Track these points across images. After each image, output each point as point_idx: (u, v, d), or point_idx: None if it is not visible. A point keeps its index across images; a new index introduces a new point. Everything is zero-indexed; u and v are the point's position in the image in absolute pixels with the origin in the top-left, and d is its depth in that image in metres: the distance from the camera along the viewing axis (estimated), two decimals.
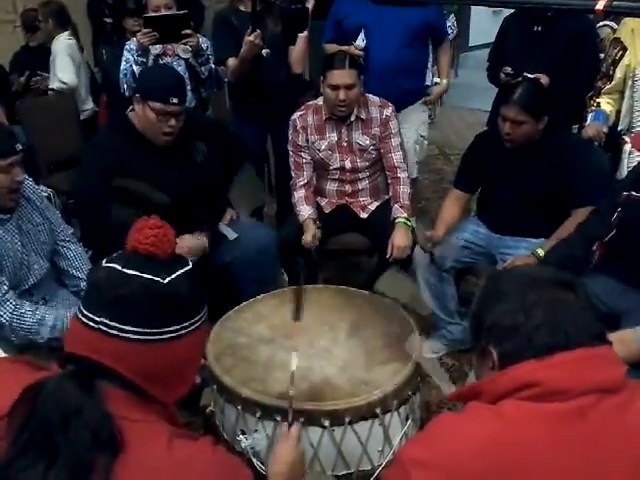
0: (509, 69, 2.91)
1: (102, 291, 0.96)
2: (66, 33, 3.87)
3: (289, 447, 1.31)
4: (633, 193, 2.04)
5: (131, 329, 0.94)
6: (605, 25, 3.00)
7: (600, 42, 2.98)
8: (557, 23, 2.85)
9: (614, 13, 2.97)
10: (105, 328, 0.94)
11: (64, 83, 3.77)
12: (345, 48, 2.95)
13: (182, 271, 1.01)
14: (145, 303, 0.95)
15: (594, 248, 2.11)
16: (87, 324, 0.95)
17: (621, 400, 0.91)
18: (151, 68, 2.80)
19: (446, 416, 1.00)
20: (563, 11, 2.83)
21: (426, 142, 3.37)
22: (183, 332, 0.98)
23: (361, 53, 2.92)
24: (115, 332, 0.94)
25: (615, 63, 2.66)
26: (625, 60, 2.62)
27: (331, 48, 3.06)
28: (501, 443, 0.88)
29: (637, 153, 2.51)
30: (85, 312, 0.96)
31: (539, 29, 2.90)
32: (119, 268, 0.97)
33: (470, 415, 0.95)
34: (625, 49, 2.63)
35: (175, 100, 2.20)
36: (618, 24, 2.94)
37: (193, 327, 1.00)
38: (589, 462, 0.88)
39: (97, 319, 0.94)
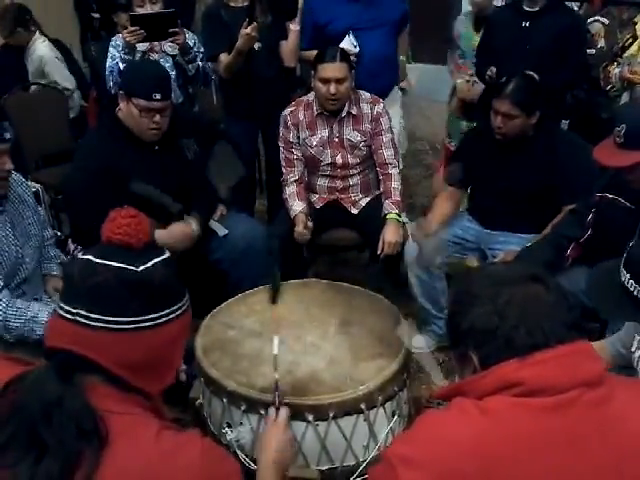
0: (494, 70, 2.91)
1: (76, 282, 0.96)
2: (39, 36, 3.81)
3: (277, 432, 1.32)
4: (607, 195, 2.06)
5: (107, 319, 0.93)
6: (596, 20, 3.01)
7: (591, 37, 2.99)
8: (545, 18, 2.86)
9: (611, 3, 3.00)
10: (81, 319, 0.93)
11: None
12: None
13: (158, 259, 1.00)
14: (119, 292, 0.94)
15: (568, 252, 2.13)
16: (64, 316, 0.95)
17: (602, 393, 0.92)
18: (134, 64, 2.77)
19: (432, 414, 1.00)
20: (554, 4, 2.84)
21: (405, 132, 3.42)
22: (162, 321, 0.98)
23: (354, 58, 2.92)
24: (92, 322, 0.93)
25: (624, 49, 2.71)
26: (632, 48, 2.66)
27: (311, 55, 2.97)
28: (488, 440, 0.89)
29: None
30: (62, 305, 0.96)
31: (527, 24, 2.90)
32: (92, 258, 0.97)
33: (456, 412, 0.95)
34: (636, 37, 2.67)
35: (158, 96, 2.19)
36: (609, 20, 2.95)
37: (173, 316, 1.00)
38: (573, 454, 0.88)
39: (73, 310, 0.94)
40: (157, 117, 2.22)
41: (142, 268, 0.97)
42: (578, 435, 0.89)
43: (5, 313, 1.86)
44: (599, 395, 0.91)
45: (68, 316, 0.94)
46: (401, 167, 3.34)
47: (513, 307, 0.95)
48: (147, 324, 0.96)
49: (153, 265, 0.98)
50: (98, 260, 0.96)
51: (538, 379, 0.91)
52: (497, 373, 0.93)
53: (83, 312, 0.93)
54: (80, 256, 1.00)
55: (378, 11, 2.99)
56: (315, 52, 2.78)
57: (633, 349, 1.61)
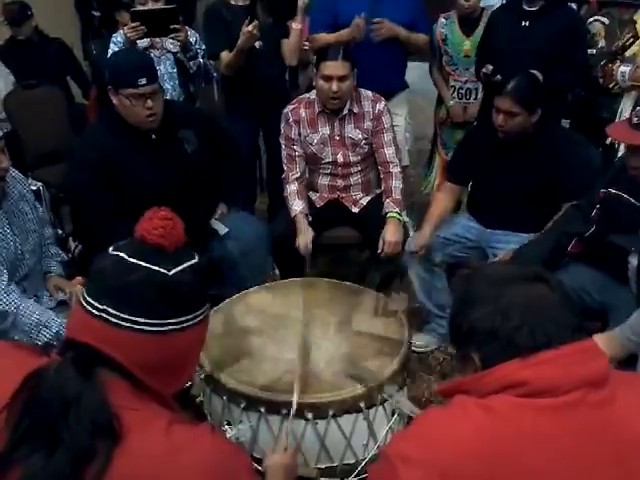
0: (490, 68, 2.90)
1: (106, 279, 0.96)
2: None
3: (284, 460, 1.34)
4: (611, 190, 2.05)
5: (133, 319, 0.94)
6: (596, 20, 3.00)
7: (591, 37, 2.98)
8: (544, 18, 2.85)
9: (608, 4, 3.00)
10: (107, 316, 0.94)
11: None
12: (334, 36, 2.92)
13: (188, 264, 1.00)
14: (148, 293, 0.95)
15: (569, 247, 2.13)
16: (90, 311, 0.95)
17: (606, 394, 0.91)
18: (114, 57, 2.72)
19: (433, 411, 0.99)
20: (554, 4, 2.84)
21: (411, 127, 3.36)
22: (185, 325, 0.98)
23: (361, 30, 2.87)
24: (117, 321, 0.93)
25: (625, 48, 2.70)
26: (633, 49, 2.66)
27: (322, 38, 2.99)
28: (491, 439, 0.88)
29: None
30: (88, 299, 0.96)
31: (527, 24, 2.89)
32: (125, 257, 0.97)
33: (458, 410, 0.94)
34: (637, 37, 2.67)
35: (144, 81, 2.18)
36: (609, 19, 2.95)
37: (196, 320, 1.00)
38: (578, 455, 0.88)
39: (100, 306, 0.94)
40: (149, 102, 2.21)
41: (173, 272, 0.97)
42: (581, 436, 0.89)
43: (17, 309, 1.85)
44: (603, 396, 0.91)
45: (94, 311, 0.94)
46: (407, 163, 3.35)
47: (516, 308, 0.94)
48: (171, 327, 0.96)
49: (183, 270, 0.99)
50: (131, 259, 0.97)
51: (542, 379, 0.90)
52: (499, 372, 0.93)
53: (110, 309, 0.94)
54: (111, 252, 0.99)
55: (387, 10, 2.93)
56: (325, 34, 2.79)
57: None
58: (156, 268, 0.96)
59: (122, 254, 0.98)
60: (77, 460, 0.86)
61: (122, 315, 0.93)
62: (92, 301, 0.95)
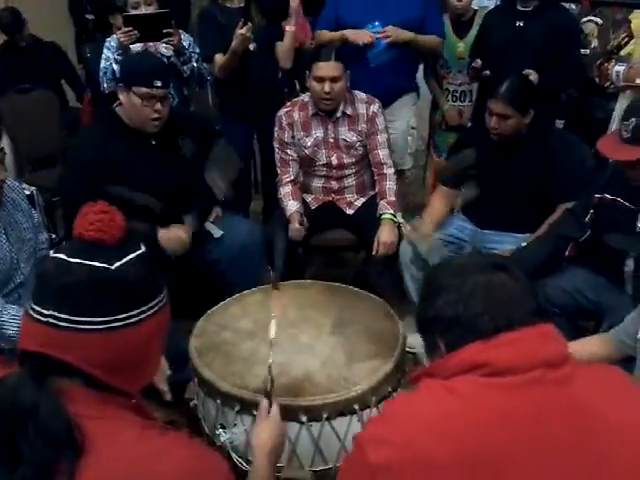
0: (479, 62, 2.89)
1: (48, 282, 0.93)
2: None
3: (271, 426, 1.33)
4: (606, 195, 2.05)
5: (81, 319, 0.90)
6: (590, 20, 3.02)
7: (585, 37, 3.00)
8: (539, 17, 2.86)
9: (600, 4, 3.01)
10: (54, 320, 0.90)
11: None
12: (342, 33, 2.92)
13: (133, 255, 0.96)
14: (92, 292, 0.91)
15: (566, 253, 2.13)
16: (36, 318, 0.92)
17: (564, 373, 0.94)
18: (132, 55, 2.77)
19: (401, 395, 1.03)
20: (548, 3, 2.85)
21: (416, 132, 3.31)
22: (135, 320, 0.94)
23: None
24: (65, 324, 0.90)
25: (619, 47, 2.71)
26: (628, 48, 2.66)
27: (325, 35, 2.99)
28: (457, 419, 0.90)
29: None
30: (34, 306, 0.93)
31: (521, 24, 2.90)
32: (64, 257, 0.93)
33: (423, 391, 0.98)
34: (631, 37, 2.67)
35: (159, 83, 2.20)
36: (603, 20, 2.96)
37: (150, 312, 0.96)
38: (539, 432, 0.90)
39: (46, 312, 0.91)
40: (158, 105, 2.23)
41: (116, 266, 0.93)
42: (542, 413, 0.91)
43: (0, 319, 1.84)
44: (561, 375, 0.94)
45: (40, 318, 0.91)
46: (409, 167, 3.33)
47: (477, 295, 0.98)
48: (120, 323, 0.93)
49: (127, 262, 0.95)
50: (70, 259, 0.93)
51: (502, 360, 0.93)
52: (461, 355, 0.96)
53: (55, 313, 0.91)
54: (52, 254, 0.96)
55: (392, 11, 2.88)
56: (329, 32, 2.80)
57: (639, 336, 1.61)
58: (97, 264, 0.92)
59: (62, 255, 0.94)
60: (41, 475, 0.83)
61: (68, 317, 0.90)
62: (37, 308, 0.92)
